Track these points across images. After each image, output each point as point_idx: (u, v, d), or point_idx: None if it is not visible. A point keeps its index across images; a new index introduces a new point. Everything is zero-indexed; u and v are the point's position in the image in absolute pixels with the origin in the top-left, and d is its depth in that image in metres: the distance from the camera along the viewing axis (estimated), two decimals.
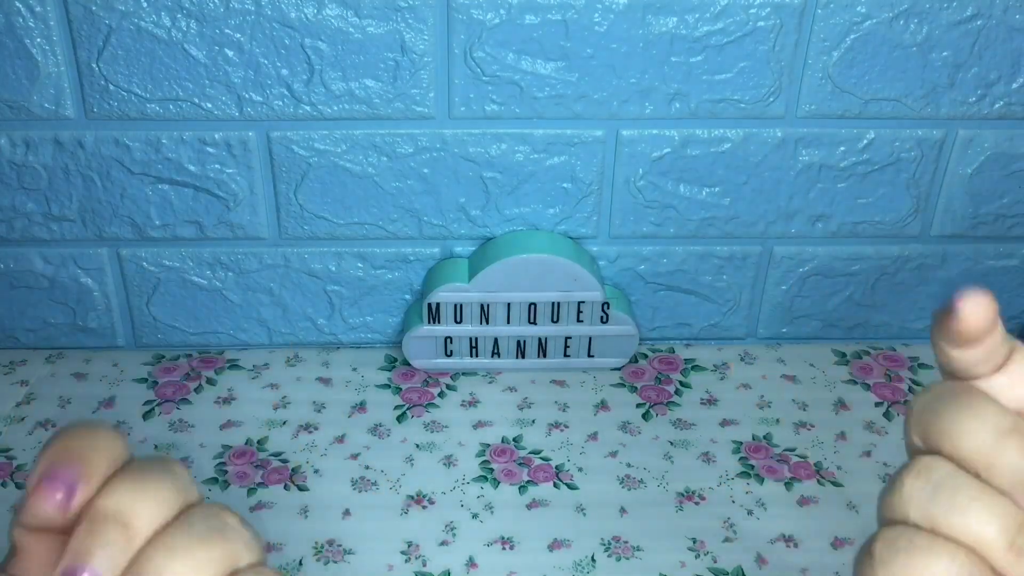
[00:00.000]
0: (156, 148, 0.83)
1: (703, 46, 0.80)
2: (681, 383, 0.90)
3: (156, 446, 0.82)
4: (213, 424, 0.84)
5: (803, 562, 0.72)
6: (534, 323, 0.88)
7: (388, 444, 0.83)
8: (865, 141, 0.85)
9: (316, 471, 0.80)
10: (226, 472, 0.79)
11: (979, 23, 0.79)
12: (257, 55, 0.79)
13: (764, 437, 0.84)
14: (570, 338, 0.89)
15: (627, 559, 0.72)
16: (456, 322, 0.87)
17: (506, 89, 0.81)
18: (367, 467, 0.80)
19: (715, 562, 0.72)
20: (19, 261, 0.88)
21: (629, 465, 0.81)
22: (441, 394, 0.88)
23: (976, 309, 0.27)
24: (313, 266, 0.89)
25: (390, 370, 0.91)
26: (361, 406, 0.87)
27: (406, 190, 0.86)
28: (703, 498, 0.77)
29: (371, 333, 0.94)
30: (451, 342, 0.89)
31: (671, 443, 0.83)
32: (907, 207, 0.88)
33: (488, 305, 0.86)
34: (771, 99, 0.82)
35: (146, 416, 0.85)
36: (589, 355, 0.90)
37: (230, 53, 0.79)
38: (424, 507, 0.76)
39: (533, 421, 0.85)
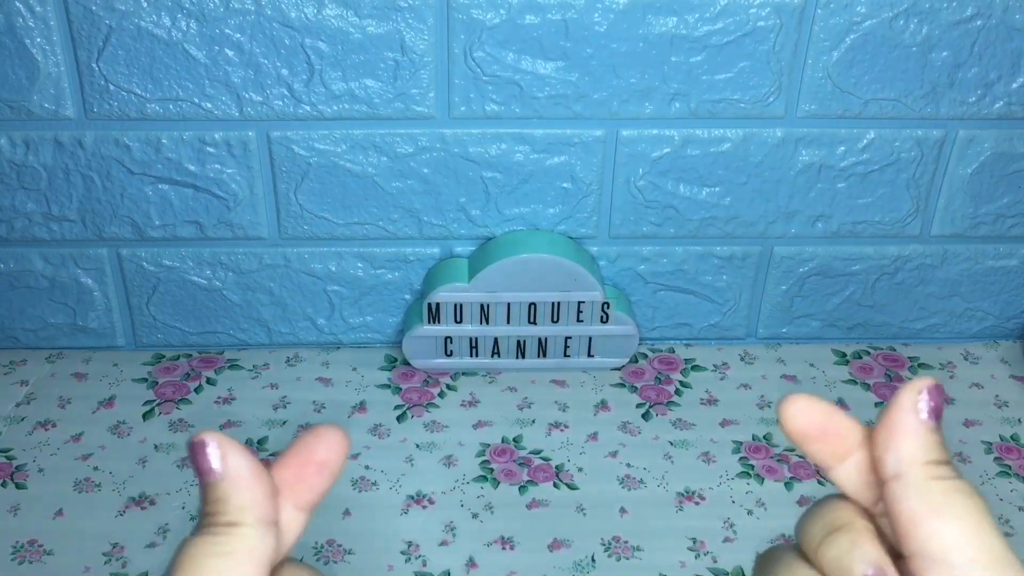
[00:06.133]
0: (156, 148, 0.83)
1: (703, 46, 0.80)
2: (681, 383, 0.90)
3: (156, 446, 0.82)
4: (213, 424, 0.84)
5: None
6: (534, 323, 0.88)
7: (388, 444, 0.83)
8: (865, 141, 0.85)
9: None
10: None
11: (979, 23, 0.79)
12: (257, 55, 0.79)
13: (764, 437, 0.84)
14: (570, 338, 0.89)
15: (627, 559, 0.72)
16: (456, 322, 0.87)
17: (506, 89, 0.81)
18: (367, 467, 0.80)
19: (715, 562, 0.72)
20: (19, 261, 0.88)
21: (629, 465, 0.81)
22: (441, 394, 0.88)
23: (796, 415, 0.30)
24: (313, 266, 0.89)
25: (390, 370, 0.91)
26: (361, 406, 0.87)
27: (406, 190, 0.86)
28: (703, 498, 0.77)
29: (371, 333, 0.94)
30: (451, 342, 0.89)
31: (671, 443, 0.83)
32: (907, 207, 0.88)
33: (488, 305, 0.86)
34: (771, 99, 0.82)
35: (146, 416, 0.85)
36: (589, 355, 0.90)
37: (230, 53, 0.79)
38: (424, 507, 0.76)
39: (533, 421, 0.85)
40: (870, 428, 0.30)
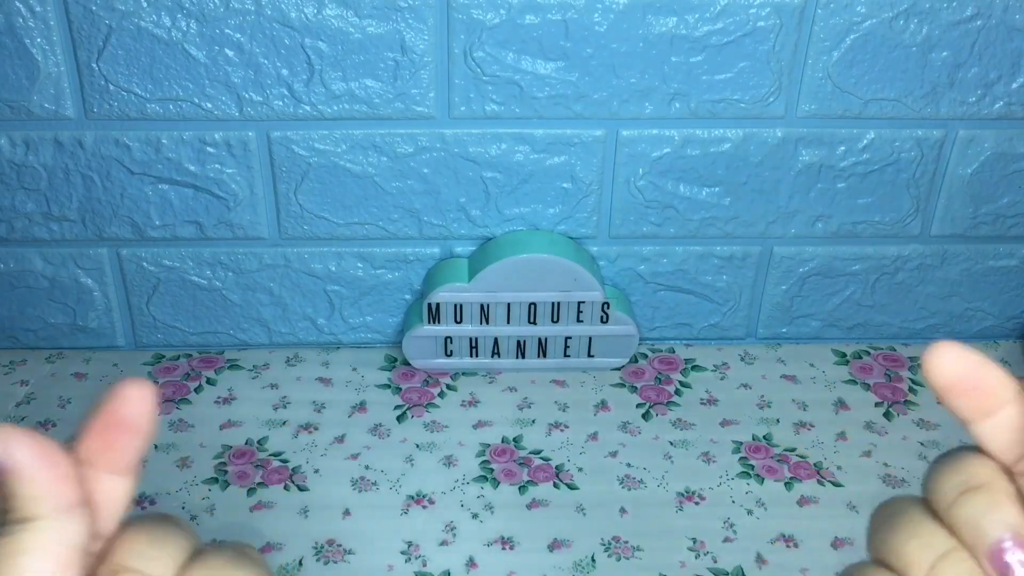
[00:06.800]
0: (156, 148, 0.83)
1: (703, 46, 0.80)
2: (681, 383, 0.90)
3: (156, 446, 0.82)
4: (213, 424, 0.84)
5: (803, 562, 0.72)
6: (534, 323, 0.88)
7: (388, 444, 0.83)
8: (865, 141, 0.85)
9: (316, 471, 0.80)
10: (226, 472, 0.79)
11: (979, 23, 0.79)
12: (257, 55, 0.79)
13: (764, 437, 0.84)
14: (570, 338, 0.89)
15: (627, 559, 0.72)
16: (456, 322, 0.87)
17: (506, 89, 0.81)
18: (367, 467, 0.80)
19: (715, 562, 0.72)
20: (19, 261, 0.88)
21: (629, 465, 0.81)
22: (441, 394, 0.88)
23: (945, 366, 0.28)
24: (313, 266, 0.89)
25: (390, 370, 0.91)
26: (361, 406, 0.87)
27: (406, 190, 0.86)
28: (703, 498, 0.77)
29: (371, 333, 0.94)
30: (451, 342, 0.89)
31: (671, 443, 0.83)
32: (907, 207, 0.88)
33: (488, 305, 0.86)
34: (771, 99, 0.82)
35: None
36: (589, 355, 0.90)
37: (230, 53, 0.79)
38: (424, 507, 0.76)
39: (533, 421, 0.85)
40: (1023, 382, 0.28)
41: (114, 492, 0.28)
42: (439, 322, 0.87)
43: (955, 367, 0.28)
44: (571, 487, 0.78)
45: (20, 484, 0.26)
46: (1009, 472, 0.28)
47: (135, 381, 0.29)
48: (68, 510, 0.27)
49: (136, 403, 0.28)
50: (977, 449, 0.28)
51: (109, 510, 0.28)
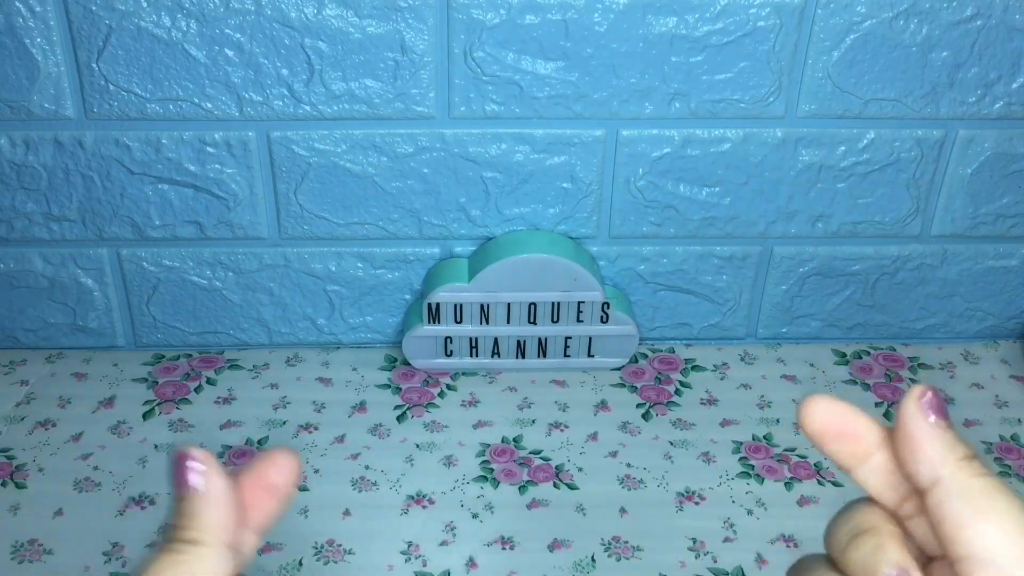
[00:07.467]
0: (156, 148, 0.83)
1: (703, 46, 0.80)
2: (681, 383, 0.90)
3: (156, 446, 0.82)
4: (213, 424, 0.84)
5: None
6: (534, 323, 0.88)
7: (388, 444, 0.83)
8: (865, 141, 0.85)
9: (316, 471, 0.80)
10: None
11: (979, 23, 0.79)
12: (257, 55, 0.79)
13: (764, 437, 0.84)
14: (570, 338, 0.89)
15: (627, 559, 0.72)
16: (456, 322, 0.87)
17: (506, 89, 0.81)
18: (367, 467, 0.80)
19: (715, 562, 0.72)
20: (19, 261, 0.88)
21: (629, 465, 0.81)
22: (441, 394, 0.88)
23: (814, 415, 0.30)
24: (313, 266, 0.89)
25: (390, 370, 0.91)
26: (361, 406, 0.87)
27: (406, 190, 0.86)
28: (703, 498, 0.77)
29: (371, 333, 0.94)
30: (451, 342, 0.89)
31: (671, 443, 0.83)
32: (907, 207, 0.88)
33: (488, 305, 0.86)
34: (771, 99, 0.82)
35: (146, 416, 0.85)
36: (589, 355, 0.90)
37: (230, 53, 0.79)
38: (424, 507, 0.76)
39: (533, 421, 0.85)
40: (890, 429, 0.30)
41: (245, 546, 0.30)
42: (439, 322, 0.87)
43: (825, 417, 0.30)
44: (571, 487, 0.78)
45: (206, 510, 0.29)
46: (896, 516, 0.30)
47: (285, 451, 0.31)
48: (229, 548, 0.29)
49: (284, 471, 0.31)
50: (867, 499, 0.30)
51: (239, 560, 0.30)
